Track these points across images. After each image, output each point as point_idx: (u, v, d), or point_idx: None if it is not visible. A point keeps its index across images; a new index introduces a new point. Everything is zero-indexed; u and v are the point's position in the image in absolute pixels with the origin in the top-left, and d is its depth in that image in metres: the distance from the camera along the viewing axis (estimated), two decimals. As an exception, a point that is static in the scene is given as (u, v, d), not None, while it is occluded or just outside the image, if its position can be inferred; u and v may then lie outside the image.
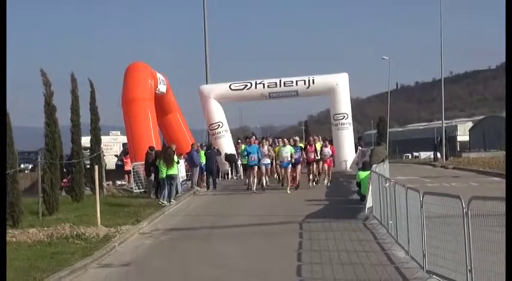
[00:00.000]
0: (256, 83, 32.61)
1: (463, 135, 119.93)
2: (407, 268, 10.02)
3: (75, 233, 14.53)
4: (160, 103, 30.41)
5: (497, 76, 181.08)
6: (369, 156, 25.29)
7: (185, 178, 26.14)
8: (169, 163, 20.96)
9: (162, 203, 20.35)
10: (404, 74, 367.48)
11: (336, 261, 10.87)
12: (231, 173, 31.33)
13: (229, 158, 30.51)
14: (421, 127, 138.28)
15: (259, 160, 23.72)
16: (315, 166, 25.02)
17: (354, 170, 26.88)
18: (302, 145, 26.46)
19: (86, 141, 24.33)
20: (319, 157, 25.00)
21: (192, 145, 27.72)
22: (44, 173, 18.34)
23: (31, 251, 12.67)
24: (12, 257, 11.50)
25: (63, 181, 23.06)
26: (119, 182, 28.12)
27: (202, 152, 26.86)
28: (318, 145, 25.63)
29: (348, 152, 31.31)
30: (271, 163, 25.06)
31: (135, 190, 24.80)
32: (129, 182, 27.15)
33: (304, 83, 32.24)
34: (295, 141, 25.60)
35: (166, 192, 20.73)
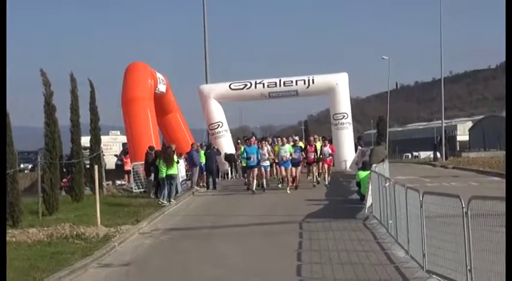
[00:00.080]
0: (256, 83, 32.61)
1: (462, 135, 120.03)
2: (407, 268, 10.02)
3: (75, 233, 14.53)
4: (160, 103, 30.40)
5: (497, 76, 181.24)
6: (368, 156, 25.27)
7: (185, 177, 26.13)
8: (169, 163, 20.95)
9: (162, 203, 20.34)
10: (404, 73, 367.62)
11: (336, 261, 10.87)
12: (231, 173, 31.33)
13: (229, 158, 30.51)
14: (420, 127, 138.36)
15: (258, 161, 23.60)
16: (315, 166, 24.97)
17: (354, 169, 26.88)
18: (302, 145, 26.46)
19: (85, 141, 24.33)
20: (319, 157, 24.92)
21: (192, 144, 27.71)
22: (44, 173, 18.33)
23: (31, 251, 12.67)
24: (12, 257, 11.50)
25: (63, 180, 23.05)
26: (118, 182, 28.11)
27: (202, 152, 26.85)
28: (318, 145, 25.61)
29: (348, 152, 31.31)
30: (271, 164, 24.94)
31: (135, 189, 24.79)
32: (128, 182, 27.14)
33: (304, 83, 32.24)
34: (294, 141, 25.57)
35: (166, 192, 20.73)
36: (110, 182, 27.41)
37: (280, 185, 24.49)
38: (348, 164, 30.70)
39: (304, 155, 24.82)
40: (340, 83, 32.07)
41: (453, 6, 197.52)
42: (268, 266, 11.07)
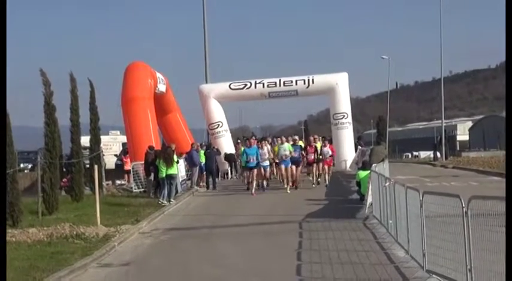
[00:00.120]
0: (256, 83, 32.63)
1: (462, 135, 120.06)
2: (407, 268, 10.02)
3: (74, 232, 14.52)
4: (160, 103, 30.40)
5: (497, 75, 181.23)
6: (368, 155, 25.25)
7: (185, 177, 26.12)
8: (169, 163, 20.95)
9: (162, 202, 20.33)
10: (404, 73, 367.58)
11: (336, 260, 10.87)
12: (231, 173, 31.33)
13: (229, 157, 30.51)
14: (420, 127, 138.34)
15: (258, 163, 23.50)
16: (315, 167, 24.92)
17: (354, 169, 26.87)
18: (302, 144, 26.43)
19: (85, 141, 24.34)
20: (319, 158, 24.81)
21: (192, 144, 27.72)
22: (44, 173, 18.33)
23: (31, 251, 12.66)
24: (12, 257, 11.49)
25: (63, 180, 23.05)
26: (118, 182, 28.11)
27: (202, 152, 26.85)
28: (318, 145, 25.57)
29: (348, 152, 31.33)
30: (271, 164, 24.89)
31: (135, 189, 24.79)
32: (128, 181, 27.14)
33: (304, 83, 32.26)
34: (294, 140, 25.53)
35: (166, 192, 20.72)
36: (110, 182, 27.41)
37: (281, 185, 24.47)
38: (348, 163, 30.72)
39: (305, 155, 24.77)
40: (340, 82, 32.09)
41: (453, 5, 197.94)
42: (268, 266, 11.07)
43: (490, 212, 7.08)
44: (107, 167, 27.90)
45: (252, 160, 23.30)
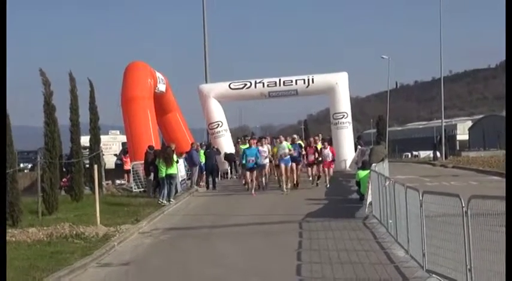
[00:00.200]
0: (255, 82, 32.60)
1: (462, 134, 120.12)
2: (407, 267, 10.02)
3: (74, 232, 14.52)
4: (160, 102, 30.39)
5: (496, 75, 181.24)
6: (368, 155, 25.23)
7: (185, 177, 26.11)
8: (169, 162, 20.94)
9: (162, 202, 20.33)
10: (404, 73, 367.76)
11: (336, 260, 10.87)
12: (231, 173, 31.31)
13: (229, 157, 30.50)
14: (420, 126, 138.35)
15: (257, 163, 23.38)
16: (315, 168, 24.83)
17: (353, 169, 26.85)
18: (301, 143, 26.36)
19: (85, 140, 24.33)
20: (319, 159, 24.66)
21: (192, 144, 27.71)
22: (44, 173, 18.32)
23: (31, 251, 12.66)
24: (12, 257, 11.49)
25: (63, 180, 23.05)
26: (118, 182, 28.10)
27: (202, 152, 26.84)
28: (319, 146, 25.48)
29: (348, 152, 31.30)
30: (271, 162, 24.82)
31: (135, 189, 24.78)
32: (128, 181, 27.13)
33: (304, 82, 32.23)
34: (293, 139, 25.43)
35: (165, 191, 20.71)
36: (110, 182, 27.39)
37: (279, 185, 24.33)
38: (348, 163, 30.68)
39: (304, 155, 24.68)
40: (340, 82, 32.07)
41: (453, 5, 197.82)
42: (268, 265, 11.06)
43: (490, 212, 7.07)
44: (107, 166, 27.91)
45: (251, 161, 23.21)
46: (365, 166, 19.56)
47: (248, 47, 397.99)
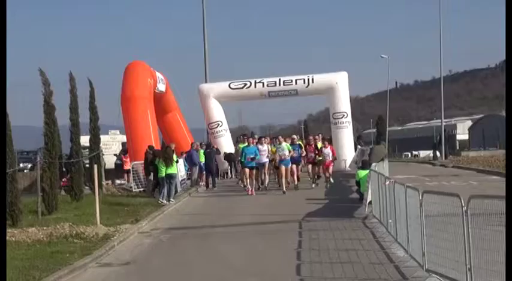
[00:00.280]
0: (255, 82, 32.60)
1: (462, 134, 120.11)
2: (407, 267, 10.01)
3: (74, 232, 14.52)
4: (160, 102, 30.39)
5: (496, 75, 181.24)
6: (368, 155, 25.20)
7: (185, 177, 26.10)
8: (169, 162, 20.93)
9: (162, 202, 20.33)
10: (404, 72, 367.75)
11: (336, 260, 10.87)
12: (230, 173, 31.30)
13: (229, 157, 30.48)
14: (420, 126, 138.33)
15: (256, 162, 23.32)
16: (315, 167, 24.80)
17: (353, 169, 26.83)
18: (301, 143, 26.32)
19: (85, 140, 24.32)
20: (320, 158, 24.61)
21: (192, 144, 27.70)
22: (43, 173, 18.32)
23: (30, 251, 12.67)
24: (12, 257, 11.50)
25: (63, 180, 23.04)
26: (118, 181, 28.09)
27: (202, 151, 26.83)
28: (319, 144, 25.45)
29: (347, 151, 31.29)
30: (270, 161, 24.75)
31: (135, 189, 24.77)
32: (128, 181, 27.13)
33: (304, 82, 32.22)
34: (292, 139, 25.36)
35: (165, 191, 20.70)
36: (110, 182, 27.39)
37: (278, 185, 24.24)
38: (348, 163, 30.67)
39: (304, 154, 24.65)
40: (340, 82, 32.05)
41: (453, 5, 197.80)
42: (268, 265, 11.06)
43: (490, 212, 7.07)
44: (107, 166, 27.88)
45: (250, 159, 23.16)
46: (365, 165, 19.54)
47: (248, 47, 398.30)
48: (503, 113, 79.25)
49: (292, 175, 23.69)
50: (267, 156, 23.96)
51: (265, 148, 23.86)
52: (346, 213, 16.75)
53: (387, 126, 62.06)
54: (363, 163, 20.40)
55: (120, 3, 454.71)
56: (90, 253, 12.28)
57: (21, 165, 30.89)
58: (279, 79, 32.59)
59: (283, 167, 23.16)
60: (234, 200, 22.06)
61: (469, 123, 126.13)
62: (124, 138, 30.12)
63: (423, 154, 73.14)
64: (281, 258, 11.47)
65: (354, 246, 12.07)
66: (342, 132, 31.63)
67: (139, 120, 26.63)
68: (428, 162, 45.81)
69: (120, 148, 32.79)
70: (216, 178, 27.10)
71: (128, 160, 27.43)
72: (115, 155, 31.29)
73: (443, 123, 52.10)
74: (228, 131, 33.58)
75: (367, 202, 16.63)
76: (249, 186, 23.15)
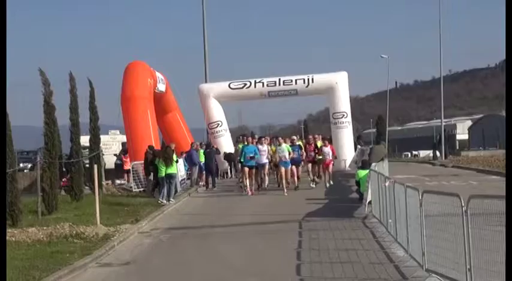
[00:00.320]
0: (255, 82, 32.60)
1: (462, 134, 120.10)
2: (407, 267, 10.01)
3: (74, 232, 14.52)
4: (160, 102, 30.38)
5: (496, 74, 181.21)
6: (368, 155, 25.19)
7: (184, 177, 26.10)
8: (168, 162, 20.93)
9: (162, 202, 20.33)
10: (404, 72, 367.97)
11: (335, 260, 10.87)
12: (230, 172, 31.29)
13: (229, 157, 30.48)
14: (420, 126, 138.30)
15: (256, 162, 23.29)
16: (315, 166, 24.77)
17: (353, 169, 26.83)
18: (301, 143, 26.29)
19: (85, 140, 24.32)
20: (320, 157, 24.61)
21: (192, 144, 27.70)
22: (43, 173, 18.32)
23: (30, 251, 12.67)
24: (12, 257, 11.50)
25: (63, 180, 23.03)
26: (118, 181, 28.10)
27: (202, 151, 26.82)
28: (319, 143, 25.44)
29: (347, 151, 31.29)
30: (270, 162, 24.70)
31: (135, 189, 24.77)
32: (128, 181, 27.13)
33: (304, 82, 32.22)
34: (292, 140, 25.25)
35: (165, 191, 20.71)
36: (110, 182, 27.40)
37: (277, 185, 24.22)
38: (347, 163, 30.67)
39: (305, 154, 24.62)
40: (340, 82, 32.05)
41: (453, 5, 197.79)
42: (268, 265, 11.07)
43: (490, 211, 7.07)
44: (107, 166, 27.88)
45: (249, 158, 23.13)
46: (365, 165, 19.54)
47: (248, 47, 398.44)
48: (503, 113, 79.28)
49: (292, 176, 23.64)
50: (267, 157, 23.93)
51: (265, 148, 23.82)
52: (346, 213, 16.75)
53: (387, 126, 62.07)
54: (363, 162, 20.40)
55: (120, 3, 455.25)
56: (90, 253, 12.29)
57: (21, 165, 30.87)
58: (279, 79, 32.60)
59: (283, 169, 23.08)
60: (233, 200, 22.07)
61: (469, 123, 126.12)
62: (124, 138, 30.11)
63: (423, 153, 73.15)
64: (281, 258, 11.47)
65: (354, 246, 12.08)
66: (341, 132, 31.63)
67: (139, 120, 26.63)
68: (428, 162, 45.81)
69: (120, 148, 32.79)
70: (216, 178, 27.10)
71: (128, 160, 27.44)
72: (115, 155, 31.30)
73: (443, 123, 52.11)
74: (228, 131, 33.58)
75: (367, 202, 16.64)
76: (248, 186, 23.11)
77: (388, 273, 9.79)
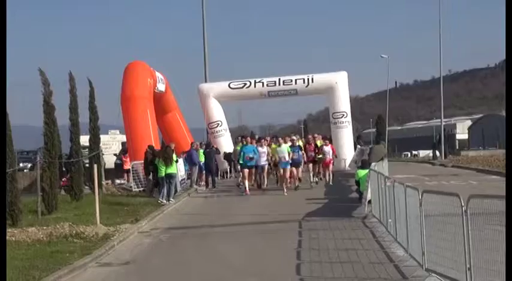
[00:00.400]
0: (255, 82, 32.62)
1: (462, 134, 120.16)
2: (407, 266, 10.01)
3: (74, 232, 14.52)
4: (160, 102, 30.38)
5: (496, 74, 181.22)
6: (367, 154, 25.20)
7: (184, 176, 26.10)
8: (168, 162, 20.94)
9: (161, 202, 20.33)
10: (404, 72, 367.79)
11: (335, 259, 10.87)
12: (230, 172, 31.29)
13: (229, 157, 30.47)
14: (420, 125, 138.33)
15: (255, 162, 23.23)
16: (316, 166, 24.73)
17: (353, 168, 26.84)
18: (301, 143, 26.26)
19: (85, 140, 24.32)
20: (320, 156, 24.60)
21: (192, 143, 27.70)
22: (43, 172, 18.32)
23: (30, 250, 12.67)
24: (12, 256, 11.50)
25: (63, 180, 23.03)
26: (118, 181, 28.10)
27: (201, 151, 26.82)
28: (319, 143, 25.43)
29: (347, 151, 31.31)
30: (269, 163, 24.65)
31: (134, 188, 24.78)
32: (128, 181, 27.14)
33: (304, 82, 32.24)
34: (292, 141, 25.09)
35: (165, 191, 20.71)
36: (109, 181, 27.40)
37: (277, 185, 24.16)
38: (347, 163, 30.68)
39: (305, 154, 24.59)
40: (340, 81, 32.07)
41: (453, 5, 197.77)
42: (268, 265, 11.07)
43: (489, 211, 7.07)
44: (107, 166, 27.88)
45: (249, 158, 23.09)
46: (364, 165, 19.54)
47: (248, 48, 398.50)
48: (503, 113, 79.35)
49: (291, 177, 23.60)
50: (266, 159, 23.87)
51: (264, 149, 23.79)
52: (345, 212, 16.76)
53: (387, 126, 62.05)
54: (363, 162, 20.41)
55: (120, 3, 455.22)
56: (90, 252, 12.29)
57: (21, 165, 30.88)
58: (279, 79, 32.62)
59: (282, 170, 23.06)
60: (233, 199, 22.07)
61: (469, 123, 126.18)
62: (124, 138, 30.11)
63: (423, 153, 73.19)
64: (281, 258, 11.47)
65: (354, 246, 12.08)
66: (341, 132, 31.64)
67: (139, 120, 26.63)
68: (428, 161, 45.83)
69: (120, 147, 32.78)
70: (215, 178, 27.10)
71: (128, 159, 27.43)
72: (115, 154, 31.30)
73: (443, 123, 52.12)
74: (228, 130, 33.60)
75: (367, 202, 16.65)
76: (246, 186, 23.02)
77: (388, 273, 9.80)
